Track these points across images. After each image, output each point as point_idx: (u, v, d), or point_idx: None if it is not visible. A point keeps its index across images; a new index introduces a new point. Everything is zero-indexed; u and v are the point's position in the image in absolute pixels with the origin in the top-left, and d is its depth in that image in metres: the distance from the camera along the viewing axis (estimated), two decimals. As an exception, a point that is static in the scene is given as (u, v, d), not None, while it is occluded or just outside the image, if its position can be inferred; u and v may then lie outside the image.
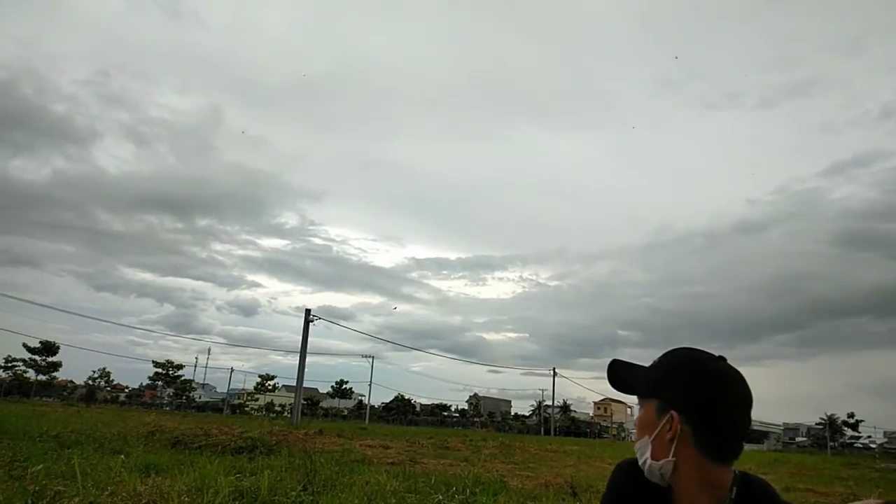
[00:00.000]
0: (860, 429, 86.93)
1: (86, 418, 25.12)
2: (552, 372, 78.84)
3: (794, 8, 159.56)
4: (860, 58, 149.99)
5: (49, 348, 72.88)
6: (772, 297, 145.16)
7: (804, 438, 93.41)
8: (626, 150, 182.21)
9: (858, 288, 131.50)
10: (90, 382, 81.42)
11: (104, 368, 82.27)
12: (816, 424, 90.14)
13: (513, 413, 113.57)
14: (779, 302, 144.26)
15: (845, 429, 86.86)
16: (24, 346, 71.85)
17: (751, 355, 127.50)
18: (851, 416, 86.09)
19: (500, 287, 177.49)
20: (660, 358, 1.35)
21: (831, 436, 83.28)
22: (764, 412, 79.29)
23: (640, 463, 1.32)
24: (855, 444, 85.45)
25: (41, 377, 74.58)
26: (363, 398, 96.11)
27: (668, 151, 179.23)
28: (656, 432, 1.27)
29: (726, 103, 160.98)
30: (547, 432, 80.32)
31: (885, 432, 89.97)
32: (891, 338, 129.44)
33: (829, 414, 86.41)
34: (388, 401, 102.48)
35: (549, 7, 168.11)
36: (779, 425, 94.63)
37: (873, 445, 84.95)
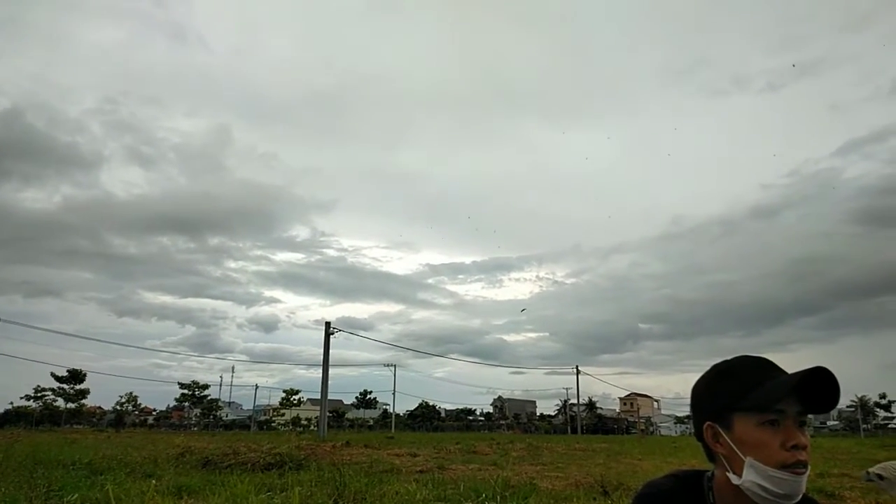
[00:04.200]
0: (893, 409, 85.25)
1: (116, 443, 25.40)
2: (575, 370, 78.55)
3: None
4: (868, 33, 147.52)
5: (76, 376, 73.82)
6: (793, 281, 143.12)
7: (836, 422, 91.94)
8: (636, 143, 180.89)
9: (881, 266, 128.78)
10: (118, 407, 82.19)
11: (131, 393, 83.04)
12: (847, 407, 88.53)
13: (538, 413, 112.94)
14: (801, 285, 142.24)
15: (878, 410, 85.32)
16: (52, 375, 72.90)
17: (776, 340, 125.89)
18: (883, 396, 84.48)
19: (517, 288, 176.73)
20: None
21: (864, 418, 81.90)
22: (793, 398, 77.44)
23: (805, 486, 1.21)
24: (889, 425, 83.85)
25: (70, 405, 75.53)
26: (388, 407, 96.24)
27: (678, 141, 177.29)
28: None
29: (733, 89, 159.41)
30: (574, 431, 79.85)
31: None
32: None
33: (860, 395, 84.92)
34: (412, 408, 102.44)
35: (552, 5, 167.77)
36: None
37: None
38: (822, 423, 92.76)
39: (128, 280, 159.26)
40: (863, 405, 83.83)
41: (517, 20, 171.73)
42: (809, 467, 1.21)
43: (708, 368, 1.37)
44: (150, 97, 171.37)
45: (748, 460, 1.21)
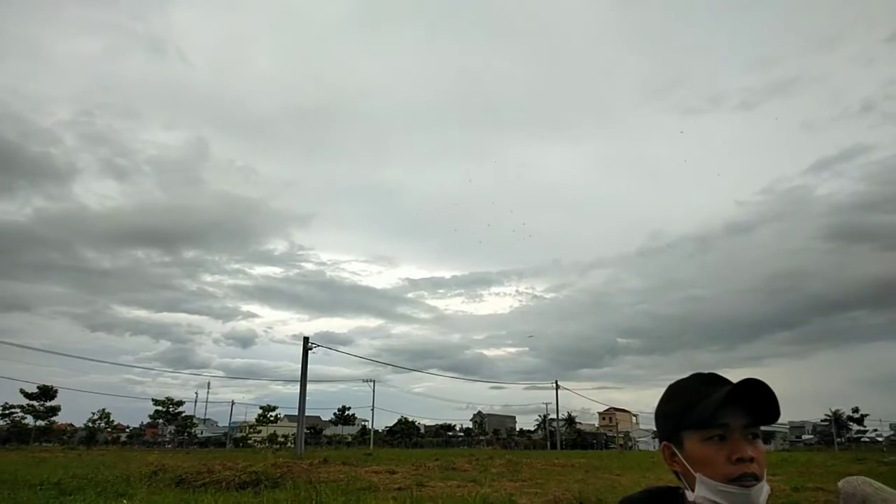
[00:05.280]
0: (866, 423, 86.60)
1: (87, 462, 24.82)
2: (555, 385, 78.65)
3: (770, 9, 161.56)
4: (837, 54, 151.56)
5: (47, 393, 72.10)
6: (768, 296, 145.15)
7: (810, 436, 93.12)
8: (614, 160, 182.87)
9: (853, 281, 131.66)
10: (90, 424, 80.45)
11: (104, 409, 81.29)
12: (822, 421, 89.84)
13: (518, 429, 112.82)
14: (776, 300, 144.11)
15: (851, 424, 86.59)
16: (22, 391, 71.17)
17: (751, 355, 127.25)
18: (856, 410, 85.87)
19: (497, 302, 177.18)
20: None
21: (837, 431, 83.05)
22: (769, 412, 78.59)
23: (762, 499, 1.19)
24: (862, 439, 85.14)
25: (40, 422, 73.71)
26: (366, 423, 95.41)
27: (655, 158, 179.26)
28: None
29: (708, 107, 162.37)
30: (553, 446, 79.81)
31: (891, 425, 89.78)
32: (889, 329, 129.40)
33: (833, 410, 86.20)
34: (391, 424, 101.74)
35: (532, 23, 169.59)
36: (784, 424, 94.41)
37: (880, 439, 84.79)
38: (797, 437, 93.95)
39: (101, 294, 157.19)
40: (836, 419, 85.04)
41: (499, 37, 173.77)
42: (765, 480, 1.21)
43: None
44: (126, 109, 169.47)
45: (698, 476, 1.23)
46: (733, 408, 1.22)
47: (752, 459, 1.20)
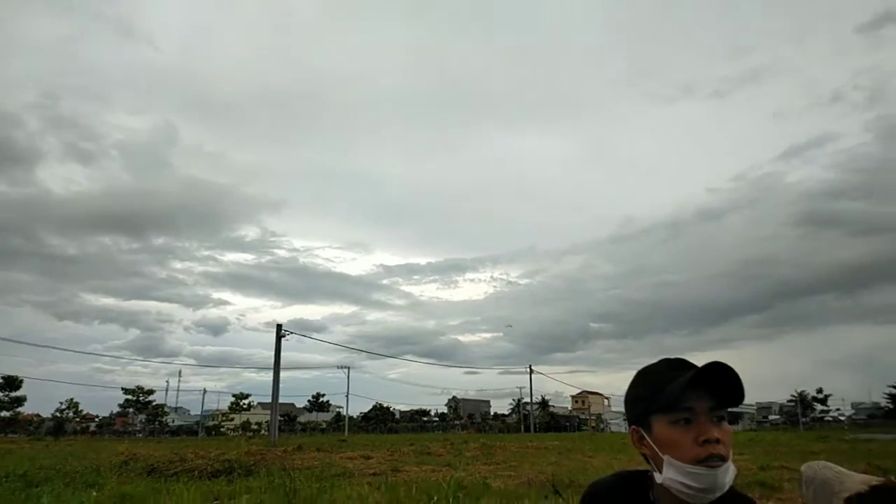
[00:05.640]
0: (829, 403, 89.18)
1: (55, 452, 24.39)
2: (529, 369, 79.40)
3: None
4: (808, 44, 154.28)
5: (11, 383, 70.56)
6: (739, 282, 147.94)
7: (777, 416, 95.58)
8: (588, 147, 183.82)
9: (821, 266, 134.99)
10: (58, 414, 78.91)
11: (72, 399, 79.73)
12: (788, 402, 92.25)
13: (492, 413, 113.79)
14: (745, 285, 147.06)
15: (815, 404, 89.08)
16: (-15, 382, 69.48)
17: (720, 338, 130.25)
18: (820, 391, 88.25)
19: (471, 288, 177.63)
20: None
21: (802, 412, 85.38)
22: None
23: (727, 479, 1.22)
24: (825, 418, 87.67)
25: (5, 413, 72.18)
26: (341, 410, 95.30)
27: (629, 146, 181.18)
28: None
29: (681, 96, 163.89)
30: (527, 429, 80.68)
31: (852, 404, 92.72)
32: (854, 312, 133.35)
33: (799, 391, 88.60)
34: (366, 410, 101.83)
35: (509, 13, 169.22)
36: (752, 405, 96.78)
37: (842, 418, 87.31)
38: (764, 417, 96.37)
39: (68, 282, 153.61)
40: (801, 399, 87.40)
41: (474, 27, 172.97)
42: (731, 461, 1.24)
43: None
44: (93, 93, 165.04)
45: (666, 458, 1.25)
46: (698, 391, 1.24)
47: (717, 441, 1.22)
